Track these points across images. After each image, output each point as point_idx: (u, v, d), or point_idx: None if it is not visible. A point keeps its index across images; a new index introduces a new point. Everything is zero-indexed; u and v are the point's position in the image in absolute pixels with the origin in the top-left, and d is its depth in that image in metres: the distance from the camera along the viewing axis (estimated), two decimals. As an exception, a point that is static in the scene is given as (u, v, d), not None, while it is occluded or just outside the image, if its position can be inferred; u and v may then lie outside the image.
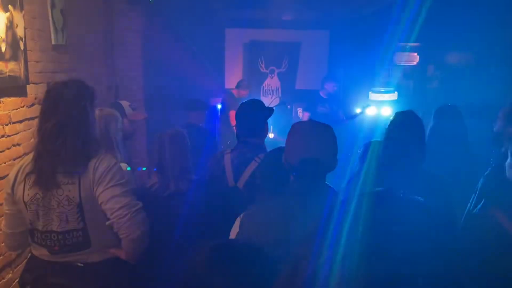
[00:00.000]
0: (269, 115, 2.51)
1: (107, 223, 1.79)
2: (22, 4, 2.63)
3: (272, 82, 7.37)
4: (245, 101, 2.67)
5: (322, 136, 1.57)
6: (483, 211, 2.14)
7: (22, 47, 2.63)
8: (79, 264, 1.84)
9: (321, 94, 5.69)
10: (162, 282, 1.91)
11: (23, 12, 2.65)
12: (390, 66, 6.24)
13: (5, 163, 2.52)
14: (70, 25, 3.49)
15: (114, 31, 4.99)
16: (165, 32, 5.94)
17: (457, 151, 2.90)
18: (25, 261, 2.13)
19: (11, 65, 2.51)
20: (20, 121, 2.71)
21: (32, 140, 2.75)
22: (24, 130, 2.75)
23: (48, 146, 1.76)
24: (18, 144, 2.69)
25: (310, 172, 1.53)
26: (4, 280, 2.54)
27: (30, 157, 1.83)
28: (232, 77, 7.30)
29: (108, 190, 1.77)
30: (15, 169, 1.86)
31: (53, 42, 3.19)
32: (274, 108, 2.66)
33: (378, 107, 5.46)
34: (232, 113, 4.91)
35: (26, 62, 2.70)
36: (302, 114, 6.14)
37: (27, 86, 2.78)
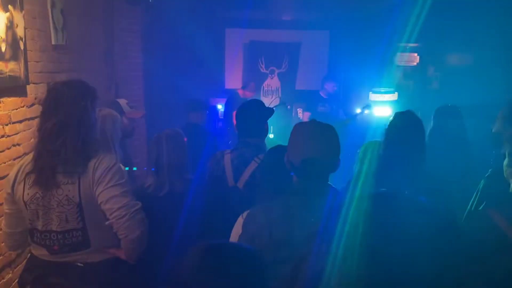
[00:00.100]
0: (270, 116, 2.52)
1: (107, 223, 1.79)
2: (22, 4, 2.63)
3: (272, 82, 7.37)
4: (246, 101, 2.67)
5: (324, 136, 1.57)
6: (482, 212, 2.14)
7: (22, 47, 2.63)
8: (78, 264, 1.85)
9: (321, 94, 5.71)
10: (162, 282, 1.90)
11: (23, 12, 2.65)
12: (390, 67, 6.24)
13: (5, 163, 2.52)
14: (70, 25, 3.49)
15: (114, 31, 4.99)
16: (165, 32, 5.94)
17: (457, 151, 2.90)
18: (25, 261, 2.13)
19: (11, 65, 2.51)
20: (20, 121, 2.71)
21: (32, 140, 2.75)
22: (24, 130, 2.75)
23: (48, 145, 1.76)
24: (18, 144, 2.69)
25: (313, 172, 1.53)
26: (4, 280, 2.54)
27: (30, 156, 1.83)
28: (232, 77, 7.30)
29: (108, 190, 1.78)
30: (15, 168, 1.86)
31: (53, 42, 3.19)
32: (274, 108, 2.66)
33: (378, 107, 5.46)
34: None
35: (26, 62, 2.70)
36: (302, 115, 6.15)
37: (27, 86, 2.78)
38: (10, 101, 2.58)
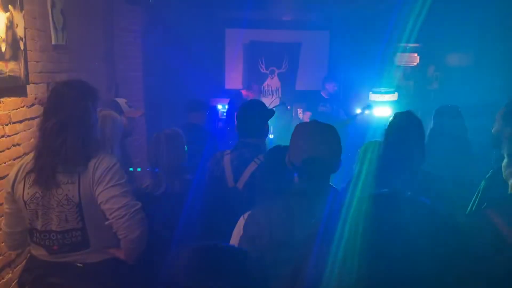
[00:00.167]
0: (270, 117, 2.52)
1: (106, 223, 1.79)
2: (22, 4, 2.63)
3: (272, 82, 7.36)
4: (246, 102, 2.67)
5: (326, 136, 1.57)
6: (481, 213, 2.14)
7: (22, 47, 2.63)
8: (78, 264, 1.84)
9: (322, 94, 5.74)
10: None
11: (23, 12, 2.65)
12: (390, 67, 6.24)
13: (5, 163, 2.52)
14: (70, 25, 3.49)
15: (114, 31, 4.99)
16: (165, 32, 5.94)
17: (457, 151, 2.90)
18: (24, 261, 2.13)
19: (11, 65, 2.51)
20: (20, 121, 2.71)
21: (32, 140, 2.76)
22: (24, 130, 2.75)
23: (48, 144, 1.76)
24: (18, 144, 2.69)
25: (314, 172, 1.53)
26: (4, 280, 2.54)
27: (30, 156, 1.84)
28: (232, 78, 7.30)
29: (108, 190, 1.78)
30: (15, 168, 1.86)
31: (53, 42, 3.18)
32: (275, 110, 2.66)
33: (378, 107, 5.46)
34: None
35: (26, 62, 2.70)
36: (302, 115, 6.15)
37: (27, 86, 2.78)
38: (10, 101, 2.58)
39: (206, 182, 2.39)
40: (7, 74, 2.47)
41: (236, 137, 2.53)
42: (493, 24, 4.50)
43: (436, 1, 4.37)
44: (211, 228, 2.04)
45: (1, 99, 2.48)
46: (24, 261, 2.10)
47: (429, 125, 3.11)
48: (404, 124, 2.23)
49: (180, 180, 2.17)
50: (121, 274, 1.89)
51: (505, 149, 2.17)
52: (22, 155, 2.62)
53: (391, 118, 2.34)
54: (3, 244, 2.07)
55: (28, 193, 1.79)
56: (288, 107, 6.47)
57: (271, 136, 5.49)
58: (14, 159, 2.60)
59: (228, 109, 5.67)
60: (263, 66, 7.30)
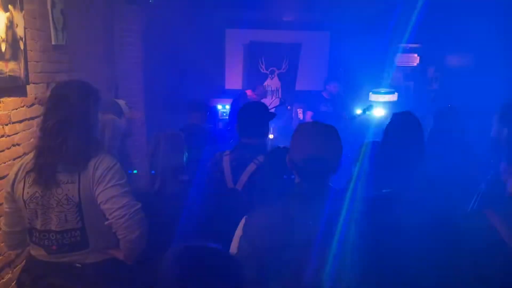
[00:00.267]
0: (271, 118, 2.53)
1: (106, 223, 1.79)
2: (22, 4, 2.63)
3: (272, 83, 7.37)
4: (247, 103, 2.68)
5: (326, 136, 1.57)
6: (480, 213, 2.14)
7: (22, 47, 2.63)
8: (77, 264, 1.84)
9: (324, 94, 5.76)
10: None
11: (23, 12, 2.65)
12: (390, 67, 6.25)
13: (5, 163, 2.52)
14: (70, 25, 3.49)
15: (114, 31, 4.99)
16: (165, 32, 5.94)
17: (457, 152, 2.90)
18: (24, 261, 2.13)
19: (11, 65, 2.51)
20: (20, 121, 2.71)
21: (32, 140, 2.76)
22: (24, 130, 2.75)
23: (49, 144, 1.76)
24: (18, 144, 2.69)
25: (314, 171, 1.52)
26: (4, 280, 2.54)
27: (31, 155, 1.84)
28: (232, 78, 7.31)
29: (108, 190, 1.78)
30: (15, 167, 1.87)
31: (53, 42, 3.19)
32: (275, 113, 2.67)
33: (379, 108, 5.47)
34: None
35: (26, 62, 2.70)
36: (302, 115, 6.16)
37: (27, 86, 2.78)
38: (10, 101, 2.58)
39: (206, 183, 2.39)
40: (7, 74, 2.47)
41: (236, 137, 2.53)
42: (493, 24, 4.49)
43: (436, 1, 4.38)
44: (210, 229, 2.03)
45: (1, 99, 2.48)
46: (24, 262, 2.10)
47: (429, 126, 3.10)
48: (402, 124, 2.23)
49: (176, 181, 2.17)
50: (120, 274, 1.88)
51: (503, 151, 2.17)
52: (22, 155, 2.62)
53: (389, 119, 2.34)
54: (3, 244, 2.07)
55: (28, 193, 1.79)
56: (288, 107, 6.48)
57: (271, 136, 5.49)
58: (14, 159, 2.60)
59: (231, 109, 5.68)
60: (263, 67, 7.30)
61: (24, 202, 1.80)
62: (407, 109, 2.40)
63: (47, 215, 1.80)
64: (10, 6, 2.48)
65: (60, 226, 1.80)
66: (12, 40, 2.52)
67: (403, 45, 6.08)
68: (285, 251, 1.49)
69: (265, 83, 7.33)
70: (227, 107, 6.29)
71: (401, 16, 4.73)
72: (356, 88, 6.27)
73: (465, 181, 2.67)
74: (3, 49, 2.42)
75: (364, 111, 5.35)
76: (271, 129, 5.30)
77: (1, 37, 2.41)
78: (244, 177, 2.33)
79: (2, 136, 2.51)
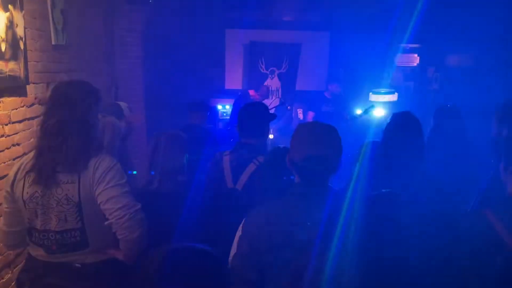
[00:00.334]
0: (271, 119, 2.53)
1: (106, 223, 1.79)
2: (22, 4, 2.63)
3: (273, 83, 7.36)
4: (248, 103, 2.68)
5: (327, 135, 1.57)
6: (480, 213, 2.14)
7: (22, 47, 2.64)
8: (77, 264, 1.84)
9: (326, 95, 5.79)
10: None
11: (23, 12, 2.65)
12: (390, 68, 6.25)
13: (4, 163, 2.52)
14: (70, 25, 3.49)
15: (114, 31, 4.99)
16: (165, 32, 5.94)
17: (457, 151, 2.90)
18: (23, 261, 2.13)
19: (11, 65, 2.51)
20: (20, 121, 2.71)
21: (32, 140, 2.76)
22: (23, 130, 2.75)
23: (49, 143, 1.76)
24: (18, 144, 2.69)
25: (314, 170, 1.52)
26: (3, 280, 2.54)
27: (31, 155, 1.84)
28: (232, 78, 7.31)
29: (108, 190, 1.77)
30: (15, 167, 1.86)
31: (53, 42, 3.19)
32: (276, 114, 2.67)
33: (379, 108, 5.47)
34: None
35: (26, 62, 2.70)
36: (302, 115, 6.17)
37: (27, 86, 2.78)
38: (10, 101, 2.58)
39: (206, 183, 2.39)
40: (7, 74, 2.47)
41: (237, 137, 2.54)
42: (493, 24, 4.49)
43: (436, 1, 4.38)
44: (210, 228, 2.03)
45: (1, 99, 2.48)
46: (23, 261, 2.09)
47: (429, 126, 3.10)
48: (402, 124, 2.23)
49: (173, 181, 2.17)
50: (119, 274, 1.88)
51: (502, 151, 2.17)
52: (22, 155, 2.62)
53: (389, 119, 2.35)
54: (2, 243, 2.07)
55: (27, 192, 1.79)
56: (288, 107, 6.48)
57: (271, 136, 5.49)
58: (14, 159, 2.60)
59: (233, 109, 5.68)
60: (263, 67, 7.30)
61: (24, 202, 1.80)
62: (407, 109, 2.40)
63: (47, 215, 1.79)
64: (10, 6, 2.48)
65: (60, 226, 1.79)
66: (12, 40, 2.52)
67: (403, 45, 6.08)
68: (285, 251, 1.49)
69: (265, 83, 7.33)
70: (227, 107, 6.29)
71: (401, 16, 4.73)
72: (356, 88, 6.28)
73: (465, 181, 2.67)
74: (3, 49, 2.42)
75: (365, 111, 5.35)
76: (271, 129, 5.30)
77: (1, 37, 2.41)
78: (244, 177, 2.33)
79: (2, 136, 2.51)
